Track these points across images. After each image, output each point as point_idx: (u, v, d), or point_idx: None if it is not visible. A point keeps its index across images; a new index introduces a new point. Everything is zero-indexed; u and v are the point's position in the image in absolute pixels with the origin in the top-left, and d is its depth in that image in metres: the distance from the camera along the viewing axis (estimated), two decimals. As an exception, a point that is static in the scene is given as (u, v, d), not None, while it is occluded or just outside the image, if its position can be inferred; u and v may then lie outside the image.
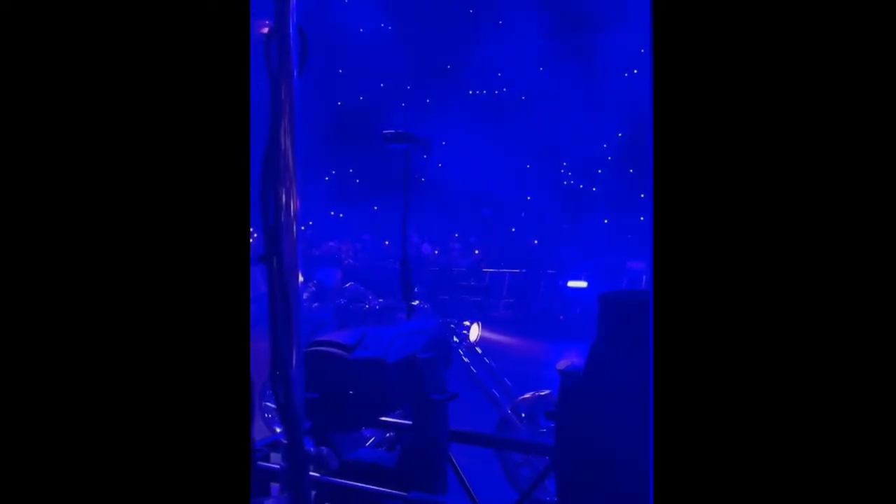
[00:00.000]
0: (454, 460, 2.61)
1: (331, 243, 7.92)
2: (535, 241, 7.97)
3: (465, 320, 3.59)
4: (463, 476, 2.57)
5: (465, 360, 3.56)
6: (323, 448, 1.52)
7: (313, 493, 2.19)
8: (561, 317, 5.53)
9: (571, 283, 6.26)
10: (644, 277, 6.33)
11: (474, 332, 3.72)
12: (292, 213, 1.44)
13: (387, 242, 8.30)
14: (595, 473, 2.15)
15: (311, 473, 1.85)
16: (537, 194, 9.31)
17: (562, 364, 3.62)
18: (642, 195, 7.86)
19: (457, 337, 3.69)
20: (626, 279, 6.40)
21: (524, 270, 7.16)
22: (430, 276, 6.84)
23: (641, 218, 7.26)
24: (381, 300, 4.27)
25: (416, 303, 3.99)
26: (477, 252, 8.12)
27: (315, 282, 4.94)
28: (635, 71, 9.96)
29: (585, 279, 6.30)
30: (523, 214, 9.11)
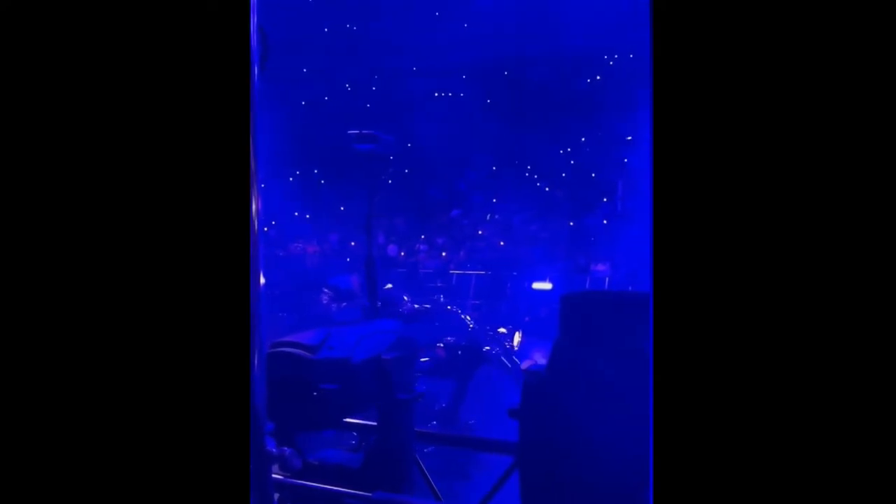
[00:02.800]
0: (420, 460, 2.61)
1: (296, 244, 7.84)
2: (502, 243, 8.04)
3: (500, 327, 3.59)
4: (428, 476, 2.58)
5: (509, 365, 3.54)
6: (286, 449, 1.51)
7: (276, 494, 2.17)
8: (527, 318, 5.59)
9: (536, 285, 6.34)
10: (606, 279, 6.44)
11: (516, 339, 3.75)
12: (254, 214, 1.45)
13: (353, 243, 8.26)
14: (559, 471, 2.18)
15: (275, 475, 1.83)
16: (503, 197, 9.39)
17: (525, 364, 3.66)
18: (605, 199, 8.01)
19: (489, 346, 3.64)
20: (590, 280, 6.51)
21: (490, 272, 7.22)
22: (396, 277, 6.84)
23: (605, 221, 7.40)
24: (419, 305, 4.19)
25: (449, 307, 4.00)
26: (444, 254, 8.16)
27: (331, 286, 4.91)
28: (598, 77, 10.12)
29: (550, 281, 6.38)
30: (489, 217, 9.18)
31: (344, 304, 4.49)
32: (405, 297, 4.35)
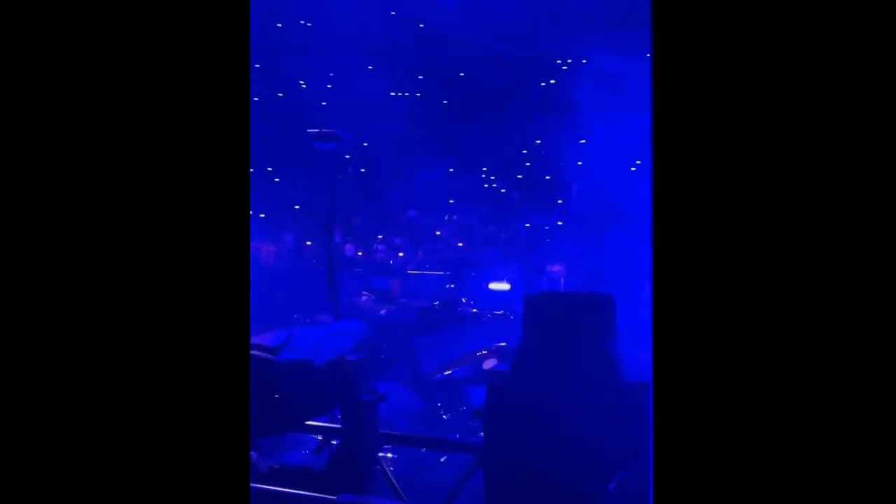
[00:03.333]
0: (383, 462, 2.60)
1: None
2: (461, 244, 8.09)
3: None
4: (392, 477, 2.57)
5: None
6: (252, 453, 1.48)
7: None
8: (486, 317, 5.63)
9: (493, 285, 6.40)
10: (562, 280, 6.55)
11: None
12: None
13: (309, 243, 8.14)
14: (523, 469, 2.21)
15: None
16: (461, 198, 9.43)
17: (487, 364, 3.67)
18: (560, 201, 8.14)
19: None
20: (546, 281, 6.61)
21: (449, 272, 7.24)
22: (354, 277, 6.79)
23: (560, 223, 7.53)
24: (480, 311, 3.98)
25: (499, 312, 3.82)
26: (401, 254, 8.13)
27: (372, 289, 4.78)
28: (552, 81, 10.28)
29: (507, 281, 6.45)
30: (447, 217, 9.20)
31: (391, 307, 4.32)
32: (462, 300, 4.12)
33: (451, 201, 9.46)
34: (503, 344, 3.55)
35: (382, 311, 4.16)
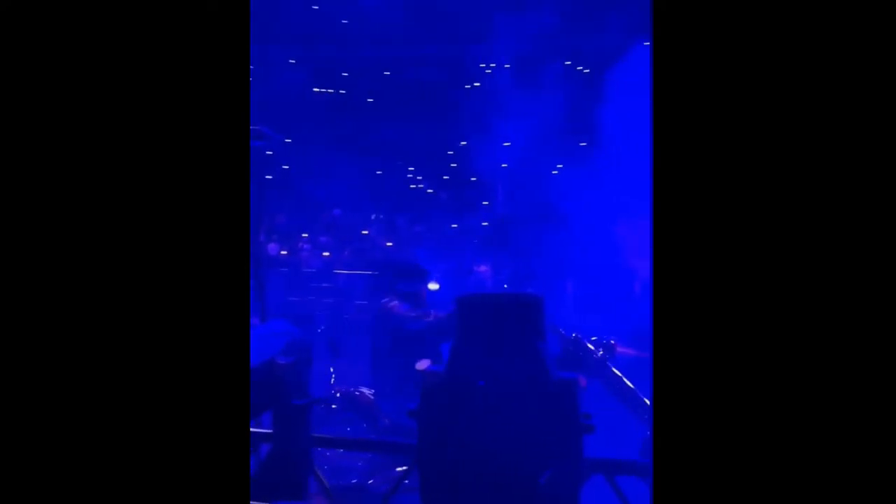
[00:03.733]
0: (316, 467, 2.56)
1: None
2: (390, 244, 8.04)
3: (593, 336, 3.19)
4: (325, 482, 2.53)
5: (618, 372, 3.08)
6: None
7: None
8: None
9: None
10: (488, 280, 6.66)
11: None
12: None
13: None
14: (458, 468, 2.24)
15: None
16: (387, 197, 9.39)
17: (421, 364, 3.66)
18: (485, 202, 8.28)
19: (594, 346, 3.23)
20: (474, 281, 6.70)
21: (377, 272, 7.20)
22: (279, 277, 6.60)
23: (484, 223, 7.65)
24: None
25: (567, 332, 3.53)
26: (327, 254, 8.00)
27: (400, 292, 4.40)
28: (476, 84, 10.43)
29: (436, 281, 6.49)
30: (374, 216, 9.13)
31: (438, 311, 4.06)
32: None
33: (378, 200, 9.41)
34: None
35: (413, 316, 3.87)
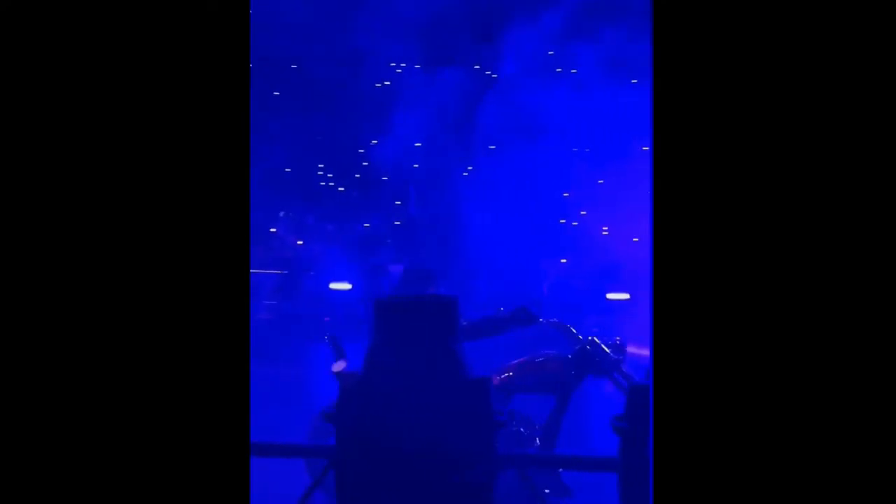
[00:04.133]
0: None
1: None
2: (300, 242, 7.88)
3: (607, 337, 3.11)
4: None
5: (622, 381, 3.02)
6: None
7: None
8: (326, 318, 5.56)
9: (334, 285, 6.34)
10: (400, 280, 6.68)
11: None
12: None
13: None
14: (374, 468, 2.27)
15: None
16: (296, 194, 9.18)
17: (337, 366, 3.65)
18: (398, 202, 8.29)
19: (607, 347, 3.15)
20: (386, 282, 6.71)
21: (286, 272, 7.03)
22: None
23: (397, 222, 7.67)
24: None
25: (553, 320, 3.40)
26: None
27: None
28: (387, 82, 10.41)
29: (348, 281, 6.43)
30: (282, 214, 8.91)
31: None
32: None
33: (287, 197, 9.19)
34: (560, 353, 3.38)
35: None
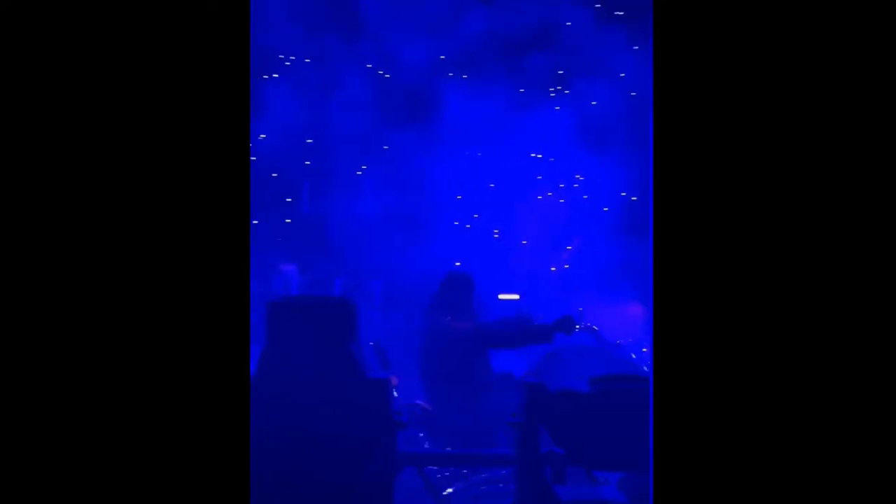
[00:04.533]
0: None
1: None
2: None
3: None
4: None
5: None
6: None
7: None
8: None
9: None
10: (293, 280, 6.52)
11: None
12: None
13: None
14: (278, 468, 2.21)
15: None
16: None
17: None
18: (289, 199, 8.06)
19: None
20: (279, 281, 6.51)
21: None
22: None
23: (287, 220, 7.46)
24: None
25: (577, 326, 3.22)
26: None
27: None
28: (276, 74, 10.09)
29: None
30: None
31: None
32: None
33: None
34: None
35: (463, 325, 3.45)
